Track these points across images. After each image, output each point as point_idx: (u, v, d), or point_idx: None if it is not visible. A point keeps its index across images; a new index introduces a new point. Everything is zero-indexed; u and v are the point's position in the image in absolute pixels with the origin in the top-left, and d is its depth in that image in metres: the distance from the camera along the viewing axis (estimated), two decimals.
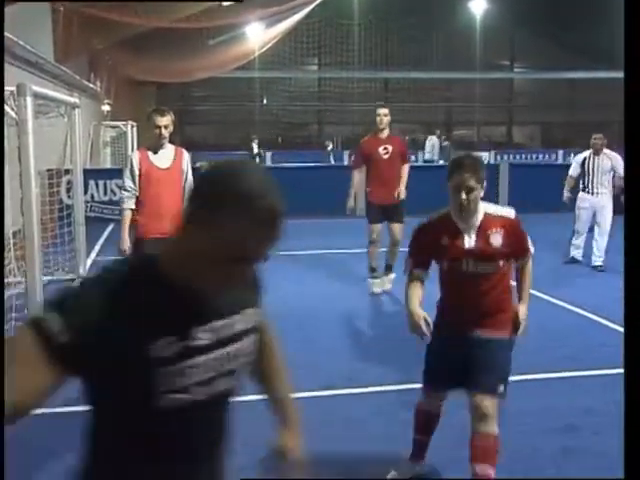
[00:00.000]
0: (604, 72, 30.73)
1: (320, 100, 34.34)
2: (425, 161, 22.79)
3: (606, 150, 9.34)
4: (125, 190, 5.45)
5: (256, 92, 32.41)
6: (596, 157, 9.28)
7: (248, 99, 32.68)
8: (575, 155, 10.34)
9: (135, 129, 17.97)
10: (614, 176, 9.24)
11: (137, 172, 5.34)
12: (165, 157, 5.41)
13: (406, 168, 7.94)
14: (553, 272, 8.80)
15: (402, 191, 7.82)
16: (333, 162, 25.65)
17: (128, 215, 5.42)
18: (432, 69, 32.54)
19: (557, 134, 35.48)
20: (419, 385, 3.67)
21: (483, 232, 3.35)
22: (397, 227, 7.87)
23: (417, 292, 3.43)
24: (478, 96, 33.43)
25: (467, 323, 3.39)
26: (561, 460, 4.04)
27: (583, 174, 9.38)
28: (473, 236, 3.36)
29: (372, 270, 7.98)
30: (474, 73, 32.53)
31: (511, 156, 28.89)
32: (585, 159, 9.39)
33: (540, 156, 30.25)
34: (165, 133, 5.30)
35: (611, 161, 9.19)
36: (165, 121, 5.27)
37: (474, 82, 33.29)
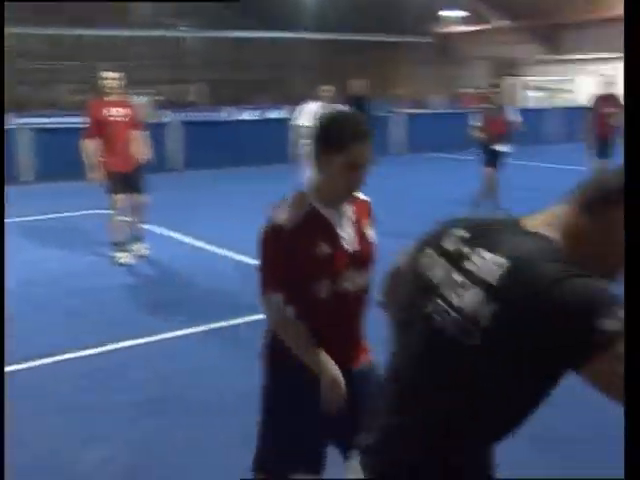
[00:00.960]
0: (268, 32, 32.29)
1: None
2: None
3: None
4: None
5: None
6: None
7: None
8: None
9: None
10: None
11: None
12: None
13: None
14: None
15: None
16: None
17: None
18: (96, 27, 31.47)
19: (225, 92, 36.49)
20: None
21: (358, 225, 2.44)
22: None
23: (306, 334, 2.35)
24: (148, 54, 33.15)
25: (347, 357, 2.45)
26: None
27: None
28: (350, 232, 2.39)
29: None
30: (143, 30, 32.14)
31: (184, 114, 29.12)
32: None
33: (211, 113, 30.89)
34: None
35: None
36: None
37: (142, 40, 32.93)
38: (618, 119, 10.24)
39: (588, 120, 10.98)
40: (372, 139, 2.29)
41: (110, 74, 7.58)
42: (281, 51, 35.31)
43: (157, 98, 25.67)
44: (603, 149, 10.64)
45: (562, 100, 29.96)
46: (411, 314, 1.61)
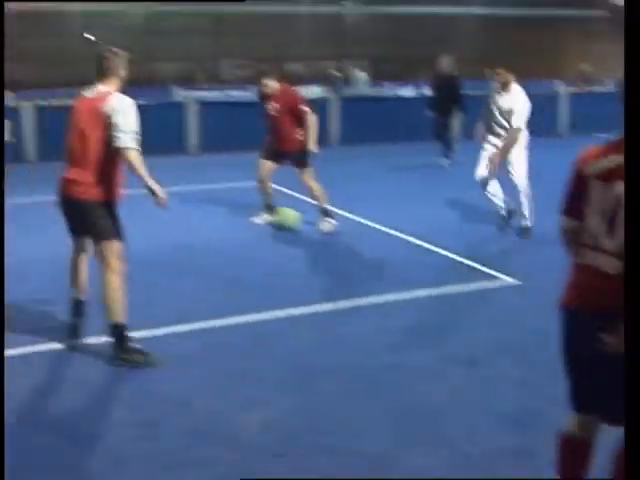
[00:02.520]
0: (429, 7, 31.76)
1: (148, 34, 33.07)
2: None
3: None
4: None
5: (78, 27, 30.66)
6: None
7: (72, 34, 30.88)
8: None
9: None
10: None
11: None
12: None
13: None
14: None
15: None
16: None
17: None
18: (265, 2, 32.18)
19: (386, 68, 36.30)
20: None
21: None
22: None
23: None
24: (309, 30, 33.51)
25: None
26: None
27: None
28: None
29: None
30: (304, 6, 32.52)
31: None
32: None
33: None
34: None
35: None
36: None
37: (303, 16, 33.32)
38: None
39: None
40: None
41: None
42: (444, 26, 34.62)
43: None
44: None
45: None
46: None
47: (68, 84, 26.61)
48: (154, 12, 32.35)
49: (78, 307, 4.84)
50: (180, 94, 18.18)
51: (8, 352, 4.25)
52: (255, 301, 5.70)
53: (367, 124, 15.00)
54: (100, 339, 4.77)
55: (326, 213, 8.13)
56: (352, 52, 34.86)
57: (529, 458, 3.49)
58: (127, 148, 4.46)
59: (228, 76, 31.61)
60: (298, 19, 34.26)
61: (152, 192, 4.54)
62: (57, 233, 5.11)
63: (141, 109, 4.61)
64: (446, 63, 13.00)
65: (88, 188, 4.56)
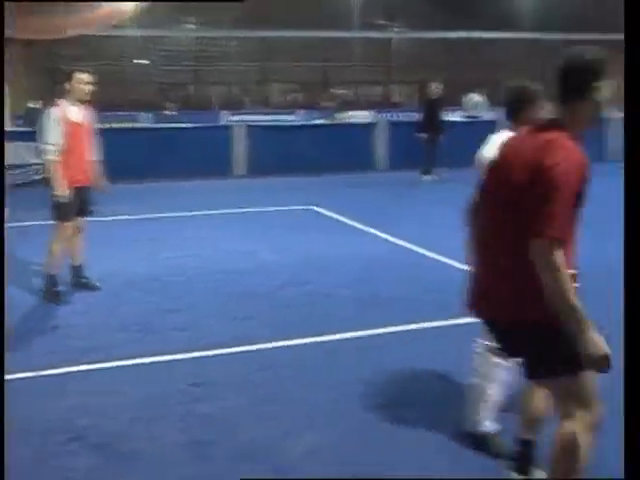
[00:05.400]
0: (480, 32, 31.65)
1: (197, 60, 33.66)
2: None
3: None
4: (50, 144, 6.14)
5: (131, 52, 31.35)
6: None
7: (123, 59, 31.58)
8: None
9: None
10: None
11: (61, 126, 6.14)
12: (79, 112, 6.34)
13: None
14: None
15: None
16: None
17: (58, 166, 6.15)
18: (309, 28, 32.49)
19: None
20: None
21: None
22: None
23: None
24: (356, 55, 33.71)
25: None
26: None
27: None
28: None
29: None
30: (352, 32, 32.72)
31: (389, 115, 29.25)
32: None
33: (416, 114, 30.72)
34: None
35: None
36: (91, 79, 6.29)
37: (351, 41, 33.53)
38: None
39: None
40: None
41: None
42: (492, 50, 34.48)
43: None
44: None
45: None
46: None
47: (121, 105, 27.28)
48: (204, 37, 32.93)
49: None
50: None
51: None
52: (301, 325, 5.66)
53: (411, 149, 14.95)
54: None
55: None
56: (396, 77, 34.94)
57: None
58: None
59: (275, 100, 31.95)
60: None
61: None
62: None
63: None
64: (433, 87, 14.34)
65: None
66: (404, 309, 6.07)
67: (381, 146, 15.45)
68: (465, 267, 3.24)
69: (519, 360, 2.91)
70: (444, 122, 14.43)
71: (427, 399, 4.40)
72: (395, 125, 16.29)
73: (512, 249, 2.65)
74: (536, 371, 2.78)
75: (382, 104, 34.48)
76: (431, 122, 13.96)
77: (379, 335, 5.47)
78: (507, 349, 2.93)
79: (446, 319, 5.53)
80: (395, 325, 5.63)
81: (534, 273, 2.52)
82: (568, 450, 2.74)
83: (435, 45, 35.10)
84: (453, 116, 19.26)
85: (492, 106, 22.02)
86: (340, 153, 14.47)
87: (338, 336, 5.43)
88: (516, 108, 3.66)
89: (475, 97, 20.48)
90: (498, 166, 2.79)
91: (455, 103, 22.63)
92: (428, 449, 3.78)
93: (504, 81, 13.94)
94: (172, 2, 31.04)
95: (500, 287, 2.73)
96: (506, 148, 2.83)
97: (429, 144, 13.94)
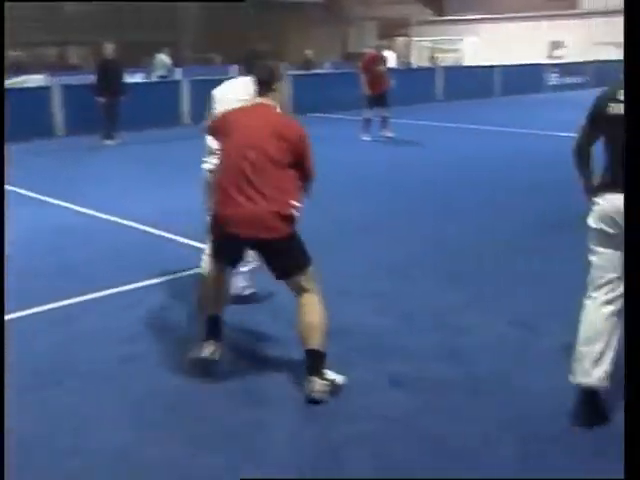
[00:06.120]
0: None
1: None
2: None
3: None
4: None
5: None
6: None
7: None
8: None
9: None
10: None
11: None
12: None
13: None
14: None
15: None
16: None
17: None
18: None
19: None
20: None
21: None
22: None
23: None
24: (27, 16, 31.53)
25: None
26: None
27: None
28: None
29: None
30: None
31: (64, 78, 27.63)
32: None
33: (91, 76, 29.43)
34: None
35: None
36: None
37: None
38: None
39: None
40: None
41: None
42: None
43: None
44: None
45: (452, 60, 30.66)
46: None
47: None
48: None
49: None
50: None
51: None
52: None
53: None
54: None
55: None
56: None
57: None
58: None
59: None
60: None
61: None
62: None
63: None
64: (109, 48, 13.88)
65: None
66: (94, 276, 6.02)
67: (57, 111, 14.75)
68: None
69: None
70: (124, 84, 14.03)
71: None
72: (71, 89, 15.49)
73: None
74: (292, 271, 3.92)
75: (59, 66, 32.70)
76: (108, 84, 13.51)
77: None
78: (266, 261, 4.03)
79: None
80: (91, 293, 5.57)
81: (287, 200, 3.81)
82: (317, 311, 3.91)
83: (107, 5, 34.11)
84: (134, 78, 18.91)
85: (176, 66, 22.20)
86: (15, 120, 13.45)
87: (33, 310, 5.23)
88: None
89: (163, 58, 20.49)
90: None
91: (137, 65, 22.33)
92: None
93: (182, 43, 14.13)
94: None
95: (262, 213, 3.80)
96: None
97: (108, 107, 13.59)
